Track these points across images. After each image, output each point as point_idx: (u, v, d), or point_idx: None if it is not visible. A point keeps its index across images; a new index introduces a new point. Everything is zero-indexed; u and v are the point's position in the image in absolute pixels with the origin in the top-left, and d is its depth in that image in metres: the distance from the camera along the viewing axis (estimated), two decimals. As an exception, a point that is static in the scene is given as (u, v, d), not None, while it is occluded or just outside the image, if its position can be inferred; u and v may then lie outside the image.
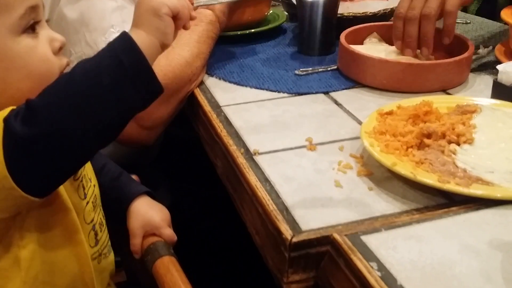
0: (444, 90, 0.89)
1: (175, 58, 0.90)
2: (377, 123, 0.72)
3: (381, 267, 0.49)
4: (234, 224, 0.76)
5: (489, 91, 0.85)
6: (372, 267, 0.49)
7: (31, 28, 0.59)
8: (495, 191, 0.58)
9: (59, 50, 0.62)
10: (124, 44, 0.56)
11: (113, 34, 0.88)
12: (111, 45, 0.57)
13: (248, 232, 0.69)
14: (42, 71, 0.60)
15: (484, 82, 0.92)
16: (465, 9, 1.61)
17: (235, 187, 0.73)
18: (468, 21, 1.27)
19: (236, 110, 0.85)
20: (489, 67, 0.97)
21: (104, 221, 0.72)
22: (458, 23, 1.27)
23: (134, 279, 0.89)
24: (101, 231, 0.70)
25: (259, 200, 0.63)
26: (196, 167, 1.02)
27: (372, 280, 0.48)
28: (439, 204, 0.61)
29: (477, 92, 0.88)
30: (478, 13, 1.50)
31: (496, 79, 0.81)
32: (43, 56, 0.60)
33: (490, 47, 1.02)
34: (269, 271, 0.61)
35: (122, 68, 0.55)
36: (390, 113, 0.75)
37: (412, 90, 0.87)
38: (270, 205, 0.61)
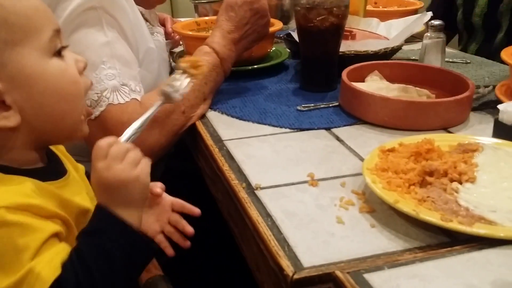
0: (445, 129, 0.89)
1: None
2: (379, 160, 0.72)
3: (385, 307, 0.48)
4: (235, 261, 0.75)
5: (490, 130, 0.85)
6: (375, 306, 0.48)
7: (58, 52, 0.61)
8: (498, 231, 0.58)
9: (83, 70, 0.64)
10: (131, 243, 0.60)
11: (104, 71, 0.88)
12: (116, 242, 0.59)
13: (249, 269, 0.68)
14: (73, 91, 0.62)
15: (485, 121, 0.93)
16: (465, 49, 1.64)
17: (236, 222, 0.72)
18: (468, 61, 1.29)
19: (238, 145, 0.86)
20: (490, 106, 0.98)
21: None
22: (457, 62, 1.29)
23: None
24: None
25: (260, 235, 0.63)
26: (197, 201, 1.01)
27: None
28: (442, 242, 0.60)
29: (478, 131, 0.89)
30: (477, 53, 1.53)
31: (497, 118, 0.81)
32: (74, 77, 0.62)
33: (491, 87, 1.03)
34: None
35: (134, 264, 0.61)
36: (392, 150, 0.75)
37: (413, 127, 0.88)
38: (272, 241, 0.61)
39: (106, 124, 0.89)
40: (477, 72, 1.21)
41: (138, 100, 0.90)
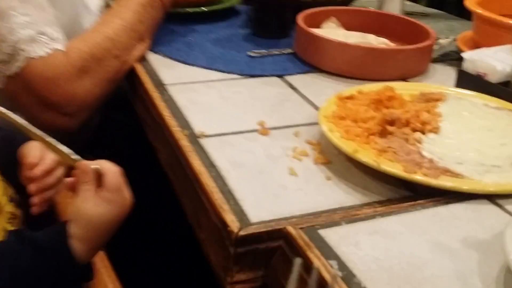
0: (405, 79, 0.84)
1: (93, 36, 0.82)
2: (336, 108, 0.66)
3: (342, 266, 0.42)
4: (174, 217, 0.68)
5: (450, 81, 0.80)
6: (332, 266, 0.42)
7: None
8: (466, 184, 0.52)
9: None
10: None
11: (15, 18, 0.76)
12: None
13: (190, 225, 0.60)
14: None
15: (445, 72, 0.88)
16: (416, 1, 1.59)
17: (176, 174, 0.64)
18: (426, 13, 1.24)
19: (182, 90, 0.77)
20: (450, 58, 0.93)
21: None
22: (415, 14, 1.23)
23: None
24: None
25: (202, 187, 0.55)
26: (135, 154, 0.92)
27: (331, 281, 0.40)
28: (404, 196, 0.54)
29: (438, 83, 0.83)
30: (430, 3, 1.48)
31: (461, 68, 0.76)
32: None
33: (451, 38, 0.98)
34: (212, 270, 0.53)
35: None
36: (350, 97, 0.68)
37: (371, 77, 0.81)
38: (215, 193, 0.53)
39: (29, 82, 0.77)
40: (435, 25, 1.15)
41: (61, 50, 0.79)
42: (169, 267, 0.82)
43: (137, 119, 0.85)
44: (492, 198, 0.52)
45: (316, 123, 0.68)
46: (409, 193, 0.55)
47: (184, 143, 0.62)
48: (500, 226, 0.47)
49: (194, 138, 0.64)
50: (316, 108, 0.73)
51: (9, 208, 0.61)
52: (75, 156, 0.56)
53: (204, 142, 0.63)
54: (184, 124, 0.67)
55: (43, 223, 0.56)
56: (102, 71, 0.82)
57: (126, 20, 0.85)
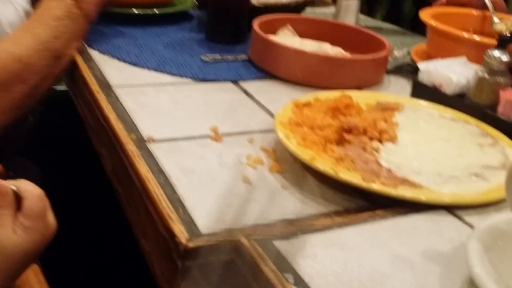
0: (360, 88, 0.82)
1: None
2: (293, 114, 0.63)
3: (299, 280, 0.39)
4: (118, 228, 0.63)
5: (405, 92, 0.80)
6: (287, 280, 0.39)
7: None
8: (425, 194, 0.51)
9: None
10: None
11: None
12: None
13: (135, 237, 0.56)
14: None
15: (400, 83, 0.88)
16: (372, 15, 1.60)
17: (121, 180, 0.60)
18: (380, 27, 1.25)
19: (130, 93, 0.72)
20: (404, 70, 0.93)
21: None
22: (370, 27, 1.23)
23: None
24: None
25: (149, 194, 0.51)
26: (76, 159, 0.86)
27: (287, 297, 0.37)
28: (361, 206, 0.52)
29: (393, 93, 0.82)
30: (386, 18, 1.49)
31: (416, 78, 0.76)
32: None
33: (405, 50, 0.98)
34: (156, 285, 0.49)
35: None
36: (307, 104, 0.66)
37: (326, 85, 0.80)
38: (163, 201, 0.49)
39: None
40: (389, 39, 1.16)
41: None
42: (111, 281, 0.76)
43: (79, 122, 0.80)
44: (451, 209, 0.51)
45: (271, 130, 0.65)
46: (366, 203, 0.53)
47: (131, 147, 0.58)
48: (459, 238, 0.46)
49: (141, 142, 0.60)
50: (271, 114, 0.71)
51: None
52: None
53: (152, 147, 0.59)
54: (132, 127, 0.63)
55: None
56: (7, 97, 0.72)
57: (38, 37, 0.74)
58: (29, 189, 0.46)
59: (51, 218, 0.46)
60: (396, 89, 0.85)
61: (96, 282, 0.76)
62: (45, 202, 0.46)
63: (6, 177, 0.65)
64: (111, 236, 0.72)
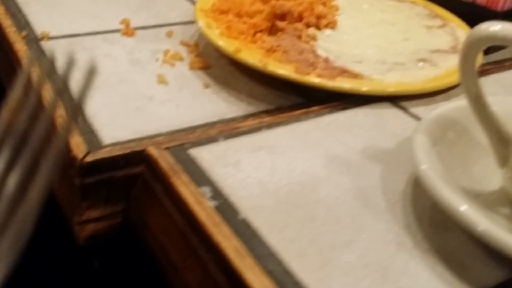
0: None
1: None
2: (216, 1, 0.54)
3: (217, 194, 0.33)
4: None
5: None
6: (203, 195, 0.32)
7: None
8: (366, 85, 0.44)
9: None
10: None
11: None
12: None
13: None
14: None
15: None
16: None
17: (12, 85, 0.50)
18: None
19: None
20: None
21: None
22: None
23: None
24: None
25: (41, 100, 0.42)
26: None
27: (201, 214, 0.31)
28: (296, 104, 0.46)
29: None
30: None
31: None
32: None
33: None
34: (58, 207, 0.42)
35: None
36: (233, -12, 0.56)
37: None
38: (59, 110, 0.41)
39: None
40: None
41: None
42: None
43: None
44: (395, 100, 0.44)
45: (193, 22, 0.56)
46: (302, 99, 0.46)
47: (19, 46, 0.48)
48: (404, 132, 0.40)
49: (34, 41, 0.50)
50: (194, 3, 0.61)
51: None
52: None
53: (47, 45, 0.49)
54: (23, 24, 0.52)
55: None
56: None
57: None
58: None
59: None
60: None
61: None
62: None
63: None
64: None
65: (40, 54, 0.48)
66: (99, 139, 0.39)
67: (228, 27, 0.50)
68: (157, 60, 0.49)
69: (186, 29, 0.55)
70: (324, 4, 0.55)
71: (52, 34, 0.51)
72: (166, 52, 0.50)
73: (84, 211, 0.38)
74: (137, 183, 0.38)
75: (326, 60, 0.47)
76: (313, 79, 0.44)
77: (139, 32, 0.54)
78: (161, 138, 0.39)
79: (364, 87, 0.44)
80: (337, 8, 0.56)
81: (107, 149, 0.38)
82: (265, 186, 0.34)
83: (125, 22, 0.55)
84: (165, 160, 0.35)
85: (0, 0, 0.56)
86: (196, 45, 0.52)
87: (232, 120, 0.43)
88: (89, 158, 0.36)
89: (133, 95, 0.44)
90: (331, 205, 0.32)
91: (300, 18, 0.53)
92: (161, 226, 0.35)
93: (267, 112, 0.44)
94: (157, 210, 0.35)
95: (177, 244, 0.33)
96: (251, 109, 0.45)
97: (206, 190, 0.33)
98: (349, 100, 0.44)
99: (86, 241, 0.38)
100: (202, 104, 0.44)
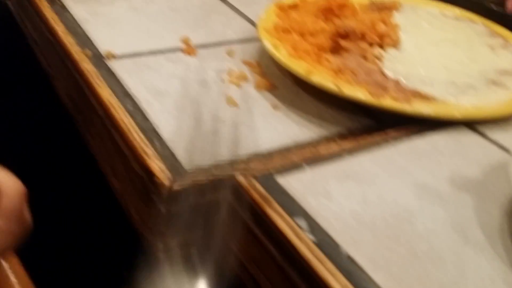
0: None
1: None
2: (278, 19, 0.54)
3: (314, 226, 0.32)
4: (80, 161, 0.54)
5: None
6: (300, 227, 0.32)
7: None
8: (445, 109, 0.44)
9: None
10: None
11: None
12: None
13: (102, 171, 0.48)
14: None
15: (388, -21, 0.78)
16: None
17: (79, 107, 0.50)
18: None
19: (78, -1, 0.60)
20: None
21: None
22: None
23: None
24: None
25: (115, 124, 0.42)
26: (22, 78, 0.74)
27: (303, 248, 0.31)
28: (366, 126, 0.45)
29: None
30: None
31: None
32: None
33: None
34: (133, 229, 0.42)
35: None
36: (293, 6, 0.56)
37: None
38: (134, 132, 0.41)
39: None
40: None
41: None
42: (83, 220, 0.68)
43: (21, 36, 0.68)
44: (471, 124, 0.44)
45: (252, 39, 0.56)
46: (371, 122, 0.46)
47: (87, 66, 0.48)
48: (486, 159, 0.40)
49: (99, 59, 0.49)
50: (249, 20, 0.61)
51: None
52: None
53: (113, 64, 0.49)
54: (85, 42, 0.52)
55: None
56: None
57: None
58: (8, 184, 0.37)
59: (27, 216, 0.38)
60: (384, -14, 0.75)
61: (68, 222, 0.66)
62: (25, 200, 0.37)
63: None
64: (72, 168, 0.63)
65: (108, 73, 0.47)
66: (181, 165, 0.38)
67: (294, 47, 0.49)
68: (222, 80, 0.49)
69: (245, 47, 0.55)
70: (385, 22, 0.55)
71: (116, 53, 0.50)
72: (230, 72, 0.50)
73: (168, 238, 0.37)
74: (221, 210, 0.37)
75: (396, 82, 0.47)
76: (390, 103, 0.43)
77: (200, 51, 0.53)
78: (241, 163, 0.39)
79: (443, 112, 0.43)
80: (398, 27, 0.55)
81: (192, 175, 0.37)
82: (360, 218, 0.33)
83: (185, 40, 0.54)
84: (254, 189, 0.35)
85: (58, 18, 0.55)
86: (259, 64, 0.52)
87: (308, 144, 0.42)
88: (176, 186, 0.36)
89: (206, 118, 0.44)
90: (431, 240, 0.32)
91: (362, 37, 0.52)
92: (250, 255, 0.35)
93: (341, 136, 0.44)
94: (246, 238, 0.35)
95: (273, 276, 0.32)
96: (322, 131, 0.44)
97: (302, 222, 0.32)
98: (421, 123, 0.43)
99: (170, 265, 0.38)
100: (274, 127, 0.44)
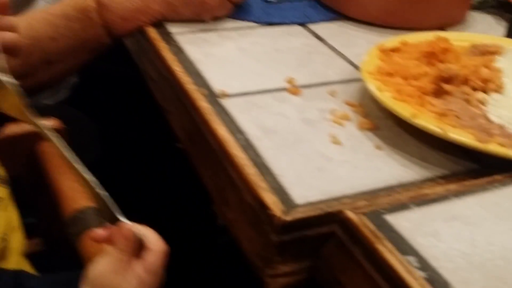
0: (442, 29, 0.73)
1: None
2: (381, 62, 0.56)
3: (424, 264, 0.34)
4: (188, 190, 0.59)
5: (494, 32, 0.71)
6: (411, 264, 0.33)
7: None
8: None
9: None
10: None
11: None
12: None
13: (211, 201, 0.51)
14: None
15: (486, 22, 0.78)
16: None
17: (194, 140, 0.55)
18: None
19: (191, 40, 0.66)
20: (488, 5, 0.83)
21: None
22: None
23: (55, 248, 0.69)
24: None
25: (230, 158, 0.46)
26: (136, 113, 0.81)
27: (413, 283, 0.32)
28: (469, 170, 0.46)
29: (480, 33, 0.73)
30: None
31: (513, 15, 0.66)
32: None
33: (489, -17, 0.87)
34: (243, 256, 0.45)
35: None
36: (395, 50, 0.58)
37: (406, 25, 0.71)
38: (248, 167, 0.44)
39: None
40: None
41: None
42: (187, 249, 0.73)
43: (136, 71, 0.74)
44: None
45: (353, 80, 0.58)
46: (474, 165, 0.47)
47: (203, 104, 0.52)
48: None
49: (213, 98, 0.54)
50: (350, 62, 0.64)
51: None
52: (102, 192, 0.45)
53: (226, 103, 0.53)
54: (200, 81, 0.57)
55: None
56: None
57: (34, 33, 0.60)
58: (154, 241, 0.42)
59: (163, 276, 0.43)
60: (483, 29, 0.76)
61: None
62: (165, 258, 0.42)
63: (64, 132, 0.61)
64: (181, 197, 0.68)
65: (222, 111, 0.52)
66: (292, 199, 0.41)
67: (398, 90, 0.51)
68: (326, 119, 0.52)
69: (346, 88, 0.58)
70: (488, 67, 0.56)
71: (228, 92, 0.55)
72: (333, 111, 0.53)
73: (277, 265, 0.40)
74: (328, 243, 0.40)
75: (501, 127, 0.47)
76: (497, 148, 0.44)
77: (304, 91, 0.57)
78: (348, 200, 0.41)
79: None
80: (501, 71, 0.56)
81: (302, 209, 0.40)
82: (469, 259, 0.34)
83: (290, 81, 0.58)
84: (365, 225, 0.37)
85: (176, 58, 0.61)
86: (361, 105, 0.54)
87: (412, 184, 0.44)
88: (288, 218, 0.39)
89: (312, 155, 0.47)
90: (544, 285, 0.32)
91: (465, 81, 0.53)
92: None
93: (443, 178, 0.45)
94: (355, 272, 0.37)
95: (383, 310, 0.34)
96: (426, 173, 0.45)
97: (413, 260, 0.34)
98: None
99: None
100: (378, 167, 0.46)
